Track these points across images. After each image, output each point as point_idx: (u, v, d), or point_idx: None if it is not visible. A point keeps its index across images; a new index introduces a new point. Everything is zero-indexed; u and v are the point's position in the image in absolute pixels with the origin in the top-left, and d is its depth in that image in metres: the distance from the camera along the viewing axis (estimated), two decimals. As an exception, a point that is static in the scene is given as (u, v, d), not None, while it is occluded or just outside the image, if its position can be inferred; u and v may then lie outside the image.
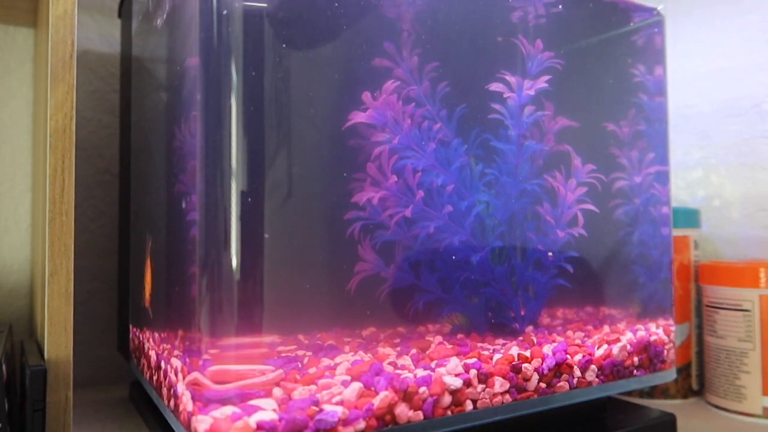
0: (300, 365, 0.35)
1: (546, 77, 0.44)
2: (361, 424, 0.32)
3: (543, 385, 0.40)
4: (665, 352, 0.48)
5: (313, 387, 0.33)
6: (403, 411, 0.34)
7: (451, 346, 0.40)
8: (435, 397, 0.35)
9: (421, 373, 0.36)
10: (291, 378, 0.34)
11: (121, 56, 0.64)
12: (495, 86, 0.42)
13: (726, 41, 0.69)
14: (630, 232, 0.49)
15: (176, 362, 0.36)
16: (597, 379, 0.43)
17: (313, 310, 0.37)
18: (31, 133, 0.61)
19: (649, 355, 0.47)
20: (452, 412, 0.36)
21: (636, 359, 0.46)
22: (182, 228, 0.36)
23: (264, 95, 0.34)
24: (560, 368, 0.41)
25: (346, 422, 0.32)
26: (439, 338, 0.41)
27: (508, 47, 0.44)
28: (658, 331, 0.49)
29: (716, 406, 0.55)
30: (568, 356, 0.42)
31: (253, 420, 0.30)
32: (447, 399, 0.36)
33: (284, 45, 0.35)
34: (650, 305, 0.50)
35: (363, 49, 0.39)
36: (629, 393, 0.58)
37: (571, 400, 0.42)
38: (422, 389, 0.35)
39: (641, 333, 0.48)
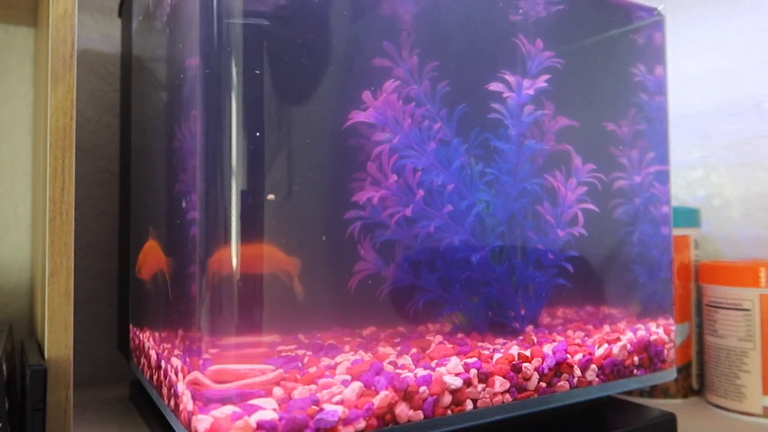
0: (300, 365, 0.35)
1: (546, 76, 0.44)
2: (362, 424, 0.32)
3: (543, 384, 0.40)
4: (665, 351, 0.48)
5: (313, 386, 0.33)
6: (403, 410, 0.34)
7: (451, 345, 0.40)
8: (435, 397, 0.35)
9: (421, 372, 0.36)
10: (291, 377, 0.34)
11: (121, 56, 0.64)
12: (495, 86, 0.42)
13: (726, 41, 0.69)
14: (630, 231, 0.49)
15: (176, 362, 0.36)
16: (597, 379, 0.43)
17: (314, 310, 0.37)
18: (32, 133, 0.61)
19: (650, 354, 0.47)
20: (452, 411, 0.36)
21: (636, 359, 0.46)
22: (182, 227, 0.36)
23: (264, 95, 0.34)
24: (560, 368, 0.41)
25: (346, 422, 0.32)
26: (439, 338, 0.41)
27: (508, 46, 0.44)
28: (659, 330, 0.49)
29: (716, 406, 0.55)
30: (569, 356, 0.42)
31: (253, 419, 0.30)
32: (447, 398, 0.36)
33: (284, 44, 0.35)
34: (650, 304, 0.50)
35: (363, 48, 0.38)
36: (629, 392, 0.58)
37: (571, 400, 0.42)
38: (422, 389, 0.35)
39: (641, 332, 0.48)
